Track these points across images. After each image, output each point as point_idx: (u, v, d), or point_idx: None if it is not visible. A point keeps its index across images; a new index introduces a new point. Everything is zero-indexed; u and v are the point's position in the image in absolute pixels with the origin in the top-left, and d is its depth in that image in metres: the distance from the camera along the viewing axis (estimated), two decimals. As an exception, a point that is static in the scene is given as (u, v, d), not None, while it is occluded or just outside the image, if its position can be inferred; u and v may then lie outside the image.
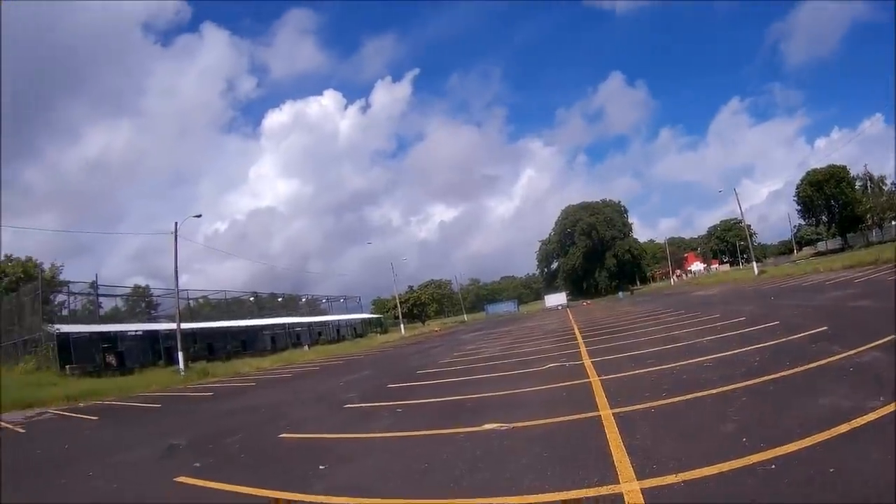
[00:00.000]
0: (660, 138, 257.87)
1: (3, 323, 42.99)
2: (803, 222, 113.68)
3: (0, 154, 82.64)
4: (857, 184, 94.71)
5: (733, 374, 8.95)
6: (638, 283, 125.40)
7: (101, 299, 46.67)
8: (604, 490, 4.87)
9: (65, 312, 43.59)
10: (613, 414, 7.72)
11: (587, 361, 14.01)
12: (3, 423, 15.85)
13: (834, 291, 21.69)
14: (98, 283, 45.92)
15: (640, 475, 5.09)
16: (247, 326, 56.33)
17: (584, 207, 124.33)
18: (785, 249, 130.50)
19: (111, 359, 38.69)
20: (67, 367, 32.85)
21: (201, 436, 11.08)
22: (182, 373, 30.82)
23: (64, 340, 35.04)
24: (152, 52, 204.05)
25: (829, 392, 6.82)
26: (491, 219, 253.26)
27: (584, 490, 4.94)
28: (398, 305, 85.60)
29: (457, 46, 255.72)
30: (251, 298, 65.50)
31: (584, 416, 7.95)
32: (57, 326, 35.86)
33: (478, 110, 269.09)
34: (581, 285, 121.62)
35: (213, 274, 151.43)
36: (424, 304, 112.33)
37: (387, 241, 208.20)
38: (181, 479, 7.43)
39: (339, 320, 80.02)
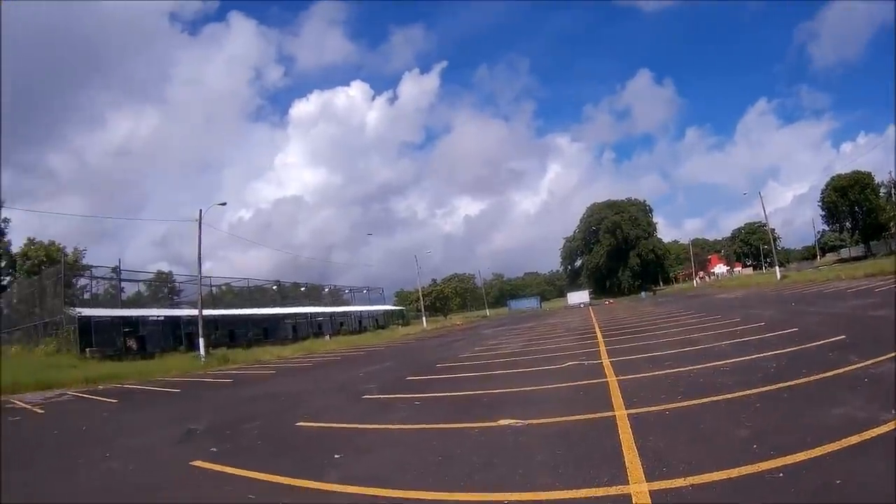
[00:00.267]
0: (687, 138, 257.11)
1: (25, 305, 43.67)
2: (827, 228, 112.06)
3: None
4: (882, 191, 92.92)
5: (749, 380, 8.86)
6: (661, 283, 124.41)
7: (123, 284, 46.97)
8: (612, 490, 4.89)
9: (86, 296, 43.78)
10: (628, 415, 7.71)
11: (606, 361, 13.96)
12: (21, 404, 15.96)
13: (854, 300, 21.34)
14: (121, 268, 46.33)
15: (650, 477, 5.09)
16: (269, 315, 56.37)
17: (610, 205, 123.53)
18: (808, 254, 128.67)
19: (132, 343, 38.99)
20: (88, 350, 33.07)
21: (219, 421, 11.19)
22: (202, 359, 30.88)
23: (85, 324, 35.41)
24: (180, 40, 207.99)
25: (842, 402, 6.72)
26: (516, 214, 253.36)
27: (594, 489, 4.97)
28: (421, 298, 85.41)
29: (485, 39, 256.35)
30: (274, 287, 65.50)
31: (599, 415, 7.95)
32: (78, 309, 36.10)
33: (506, 104, 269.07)
34: (604, 284, 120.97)
35: (236, 262, 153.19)
36: (447, 297, 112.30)
37: (412, 233, 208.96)
38: (197, 463, 7.53)
39: (361, 311, 79.75)
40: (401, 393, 12.70)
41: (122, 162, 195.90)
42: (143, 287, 53.23)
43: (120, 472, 7.60)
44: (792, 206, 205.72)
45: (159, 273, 60.49)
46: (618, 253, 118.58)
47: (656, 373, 11.17)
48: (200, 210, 35.37)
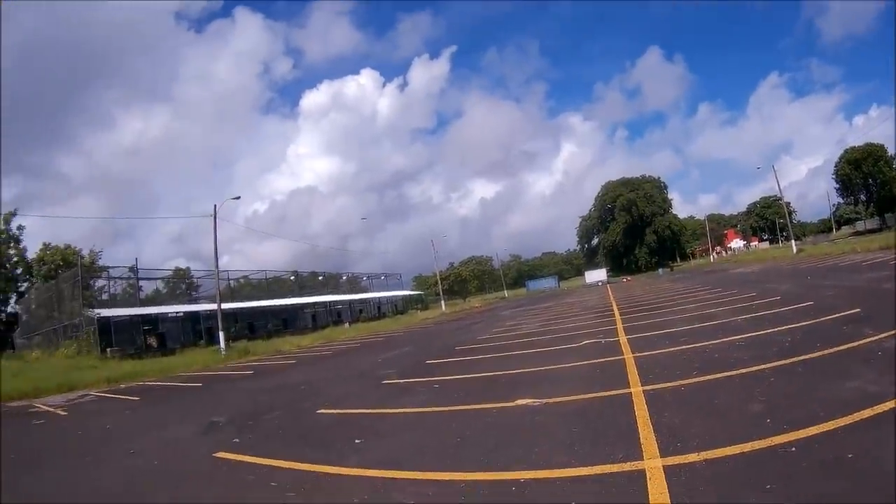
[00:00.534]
0: (699, 114, 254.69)
1: (44, 310, 43.78)
2: (842, 201, 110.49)
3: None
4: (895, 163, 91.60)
5: (764, 355, 8.80)
6: (678, 259, 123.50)
7: (141, 282, 46.63)
8: (627, 466, 4.90)
9: (104, 297, 43.59)
10: (644, 391, 7.72)
11: (623, 338, 13.94)
12: (44, 407, 15.79)
13: (869, 273, 21.00)
14: (138, 266, 45.85)
15: (664, 453, 5.10)
16: (287, 305, 56.08)
17: (625, 183, 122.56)
18: (824, 228, 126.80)
19: (152, 340, 38.82)
20: (108, 350, 32.68)
21: (241, 413, 11.14)
22: (223, 352, 30.27)
23: (104, 324, 35.14)
24: (186, 38, 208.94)
25: (856, 376, 6.65)
26: (531, 195, 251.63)
27: (609, 466, 4.98)
28: (439, 282, 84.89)
29: (493, 22, 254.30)
30: (292, 277, 65.16)
31: (615, 392, 7.97)
32: (97, 311, 35.88)
33: (516, 86, 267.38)
34: (621, 261, 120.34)
35: (253, 254, 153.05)
36: (465, 280, 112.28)
37: (428, 218, 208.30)
38: (221, 454, 7.57)
39: (379, 297, 79.09)
40: (420, 377, 12.73)
41: (133, 161, 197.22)
42: (160, 284, 53.29)
43: (145, 466, 7.66)
44: (806, 180, 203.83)
45: (177, 269, 60.15)
46: (634, 230, 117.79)
47: (672, 349, 11.14)
48: (215, 205, 35.09)
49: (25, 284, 54.85)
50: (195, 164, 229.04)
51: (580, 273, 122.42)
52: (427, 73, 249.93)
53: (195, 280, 57.32)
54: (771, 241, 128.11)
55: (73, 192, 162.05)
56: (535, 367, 11.65)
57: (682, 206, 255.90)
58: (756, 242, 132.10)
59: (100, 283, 45.67)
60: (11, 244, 54.08)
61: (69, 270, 42.73)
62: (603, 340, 14.14)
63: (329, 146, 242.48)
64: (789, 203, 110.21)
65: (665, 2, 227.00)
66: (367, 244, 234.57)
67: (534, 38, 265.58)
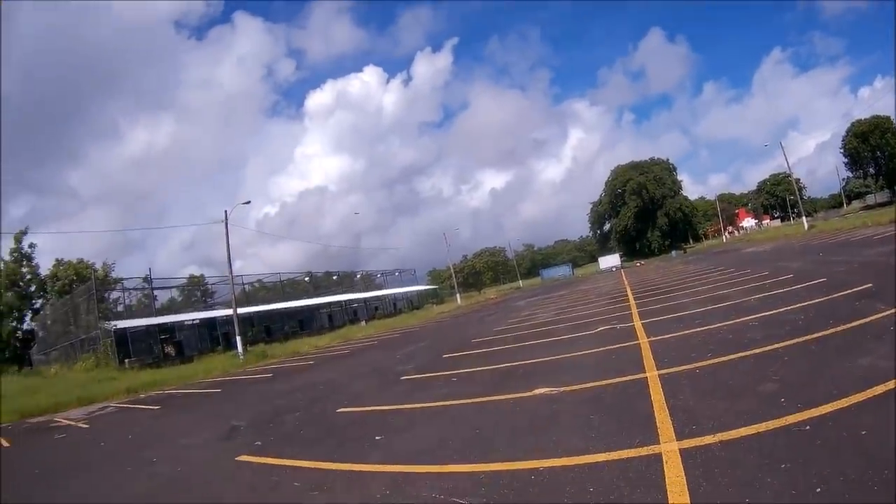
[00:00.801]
0: (704, 93, 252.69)
1: (60, 325, 43.81)
2: (851, 175, 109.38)
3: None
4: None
5: (777, 334, 8.78)
6: (690, 241, 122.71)
7: (156, 292, 46.64)
8: (644, 451, 4.94)
9: (120, 308, 43.64)
10: (659, 375, 7.76)
11: (637, 323, 13.96)
12: (65, 421, 15.85)
13: (880, 247, 20.73)
14: (151, 276, 45.93)
15: (680, 436, 5.14)
16: (303, 306, 56.10)
17: (634, 167, 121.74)
18: (835, 203, 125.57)
19: (169, 349, 38.81)
20: (126, 360, 32.87)
21: (261, 415, 11.22)
22: (241, 357, 30.57)
23: (121, 336, 35.19)
24: (187, 46, 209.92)
25: (869, 352, 6.63)
26: (541, 183, 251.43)
27: (625, 451, 5.02)
28: (453, 275, 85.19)
29: (494, 10, 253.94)
30: (306, 279, 65.45)
31: (631, 378, 8.01)
32: (113, 323, 35.83)
33: (520, 74, 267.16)
34: (634, 246, 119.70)
35: (266, 257, 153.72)
36: (479, 272, 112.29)
37: (439, 211, 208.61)
38: (243, 457, 7.64)
39: (395, 294, 79.18)
40: (438, 371, 12.79)
41: (142, 171, 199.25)
42: (175, 293, 53.24)
43: (168, 473, 7.76)
44: (815, 155, 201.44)
45: (191, 277, 60.69)
46: (645, 214, 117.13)
47: (686, 332, 11.13)
48: (226, 211, 35.04)
49: (40, 301, 55.21)
50: (203, 170, 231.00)
51: (594, 259, 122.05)
52: (430, 67, 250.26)
53: (210, 286, 57.69)
54: (782, 219, 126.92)
55: (83, 206, 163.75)
56: (552, 355, 11.69)
57: (693, 188, 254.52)
58: (768, 220, 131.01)
59: (114, 295, 45.81)
60: (24, 262, 54.69)
61: (83, 285, 42.76)
62: (618, 326, 14.16)
63: (336, 145, 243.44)
64: (799, 179, 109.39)
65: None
66: (380, 240, 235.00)
67: (535, 25, 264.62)
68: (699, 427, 5.26)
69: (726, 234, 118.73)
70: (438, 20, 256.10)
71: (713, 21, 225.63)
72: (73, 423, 15.41)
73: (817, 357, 7.07)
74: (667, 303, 17.67)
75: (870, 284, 11.63)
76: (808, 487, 3.69)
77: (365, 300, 69.38)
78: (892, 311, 8.56)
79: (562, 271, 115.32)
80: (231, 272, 36.16)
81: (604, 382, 8.09)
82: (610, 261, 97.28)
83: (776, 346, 8.01)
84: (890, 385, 5.27)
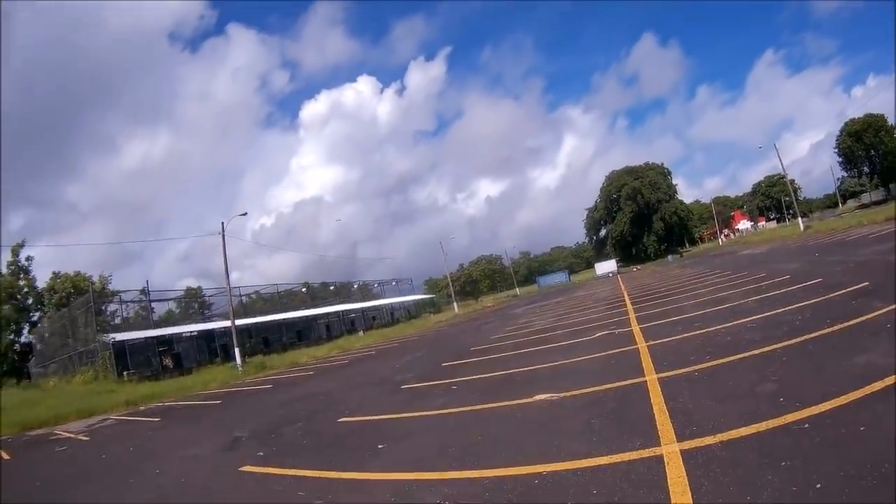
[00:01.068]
0: (698, 97, 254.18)
1: (58, 338, 43.65)
2: (846, 174, 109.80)
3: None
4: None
5: (775, 335, 8.85)
6: (686, 245, 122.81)
7: (153, 304, 46.37)
8: (645, 453, 5.00)
9: (117, 321, 43.53)
10: (659, 379, 7.82)
11: (636, 328, 14.00)
12: (66, 433, 15.76)
13: (876, 245, 20.87)
14: (149, 288, 45.48)
15: (681, 437, 5.20)
16: (301, 317, 55.84)
17: (628, 172, 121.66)
18: (830, 203, 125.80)
19: (168, 361, 38.40)
20: (125, 373, 32.67)
21: (263, 426, 11.19)
22: (240, 368, 30.38)
23: (119, 348, 34.95)
24: (181, 58, 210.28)
25: (866, 349, 6.71)
26: (537, 190, 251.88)
27: (627, 454, 5.07)
28: (450, 284, 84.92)
29: (486, 19, 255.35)
30: (303, 289, 64.96)
31: (630, 382, 8.06)
32: (111, 335, 35.70)
33: (514, 82, 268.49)
34: (630, 251, 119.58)
35: (263, 268, 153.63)
36: (476, 280, 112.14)
37: (435, 220, 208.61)
38: (246, 468, 7.63)
39: (392, 303, 78.57)
40: (438, 379, 12.80)
41: (138, 184, 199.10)
42: (173, 305, 53.14)
43: (172, 484, 7.77)
44: (809, 156, 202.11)
45: (188, 289, 60.35)
46: (641, 219, 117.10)
47: (685, 335, 11.20)
48: (223, 223, 34.80)
49: (37, 314, 55.16)
50: (200, 182, 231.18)
51: (590, 266, 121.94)
52: (424, 76, 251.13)
53: (207, 298, 57.30)
54: (778, 220, 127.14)
55: (81, 219, 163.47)
56: (551, 362, 11.73)
57: (688, 191, 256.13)
58: (763, 222, 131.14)
59: (112, 307, 45.70)
60: (21, 275, 54.59)
61: (81, 297, 42.73)
62: (616, 331, 14.20)
63: (331, 155, 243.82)
64: (794, 180, 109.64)
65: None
66: (376, 250, 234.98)
67: (527, 33, 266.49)
68: (699, 428, 5.32)
69: (722, 237, 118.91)
70: (431, 29, 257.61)
71: (706, 24, 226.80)
72: (73, 435, 15.36)
73: (815, 356, 7.14)
74: (664, 307, 17.72)
75: (866, 283, 11.73)
76: (808, 484, 3.75)
77: (362, 310, 68.84)
78: (890, 308, 8.65)
79: (558, 278, 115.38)
80: (229, 283, 36.04)
81: (604, 387, 8.12)
82: (606, 266, 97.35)
83: (774, 346, 8.08)
84: (888, 381, 5.35)
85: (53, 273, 54.16)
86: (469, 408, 8.87)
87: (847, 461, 3.97)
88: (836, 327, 8.35)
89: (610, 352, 11.26)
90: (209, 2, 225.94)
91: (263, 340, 48.05)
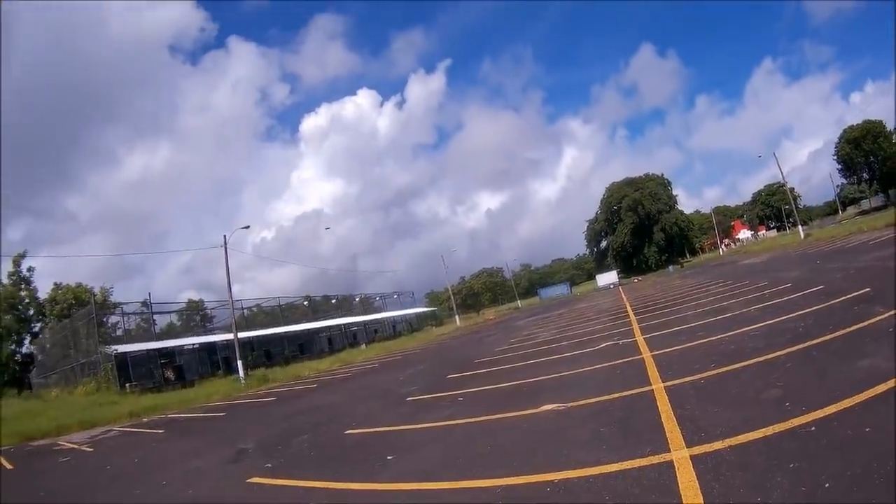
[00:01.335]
0: (697, 107, 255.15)
1: (59, 349, 43.74)
2: (845, 181, 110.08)
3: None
4: (895, 138, 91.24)
5: (779, 342, 8.94)
6: (687, 255, 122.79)
7: (155, 316, 46.39)
8: (655, 459, 5.07)
9: (119, 333, 43.72)
10: (665, 387, 7.88)
11: (640, 338, 14.07)
12: (69, 444, 15.78)
13: (876, 252, 21.00)
14: (151, 300, 45.62)
15: (690, 443, 5.27)
16: (303, 330, 55.97)
17: (628, 183, 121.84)
18: (830, 210, 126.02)
19: (170, 373, 38.47)
20: (127, 385, 32.95)
21: (269, 438, 11.21)
22: (243, 381, 30.42)
23: (122, 360, 35.14)
24: (182, 71, 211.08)
25: (869, 354, 6.82)
26: (537, 202, 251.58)
27: (637, 460, 5.14)
28: (451, 297, 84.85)
29: (485, 32, 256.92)
30: (305, 302, 65.19)
31: (637, 391, 8.12)
32: (113, 347, 35.94)
33: (514, 95, 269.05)
34: (631, 262, 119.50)
35: (264, 282, 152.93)
36: (478, 293, 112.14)
37: (435, 233, 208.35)
38: (254, 479, 7.65)
39: (394, 316, 78.54)
40: (443, 391, 12.83)
41: (139, 196, 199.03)
42: (174, 317, 53.14)
43: (179, 496, 7.79)
44: (808, 164, 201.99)
45: (190, 302, 60.42)
46: (641, 230, 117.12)
47: (689, 344, 11.27)
48: (225, 236, 35.12)
49: (38, 325, 55.30)
50: (201, 195, 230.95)
51: (591, 277, 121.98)
52: (424, 89, 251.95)
53: (209, 311, 57.39)
54: (778, 229, 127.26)
55: (82, 230, 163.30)
56: (557, 373, 11.78)
57: (688, 201, 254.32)
58: (763, 231, 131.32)
59: (114, 319, 45.71)
60: (23, 286, 54.83)
61: (83, 309, 42.77)
62: (620, 342, 14.26)
63: (332, 168, 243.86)
64: (793, 188, 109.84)
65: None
66: (377, 263, 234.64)
67: (527, 45, 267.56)
68: (708, 434, 5.40)
69: (723, 246, 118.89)
70: (431, 42, 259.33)
71: (704, 34, 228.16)
72: (76, 446, 15.42)
73: (819, 362, 7.23)
74: (667, 317, 17.80)
75: (868, 289, 11.85)
76: (816, 484, 3.85)
77: (364, 323, 68.92)
78: (891, 313, 8.76)
79: (560, 290, 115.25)
80: (231, 296, 35.90)
81: (611, 396, 8.20)
82: (607, 278, 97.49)
83: (778, 353, 8.17)
84: (891, 384, 5.46)
85: (55, 284, 54.50)
86: (476, 419, 8.92)
87: (853, 462, 4.07)
88: (838, 333, 8.45)
89: (615, 362, 11.32)
90: (210, 14, 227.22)
91: (265, 353, 48.24)
